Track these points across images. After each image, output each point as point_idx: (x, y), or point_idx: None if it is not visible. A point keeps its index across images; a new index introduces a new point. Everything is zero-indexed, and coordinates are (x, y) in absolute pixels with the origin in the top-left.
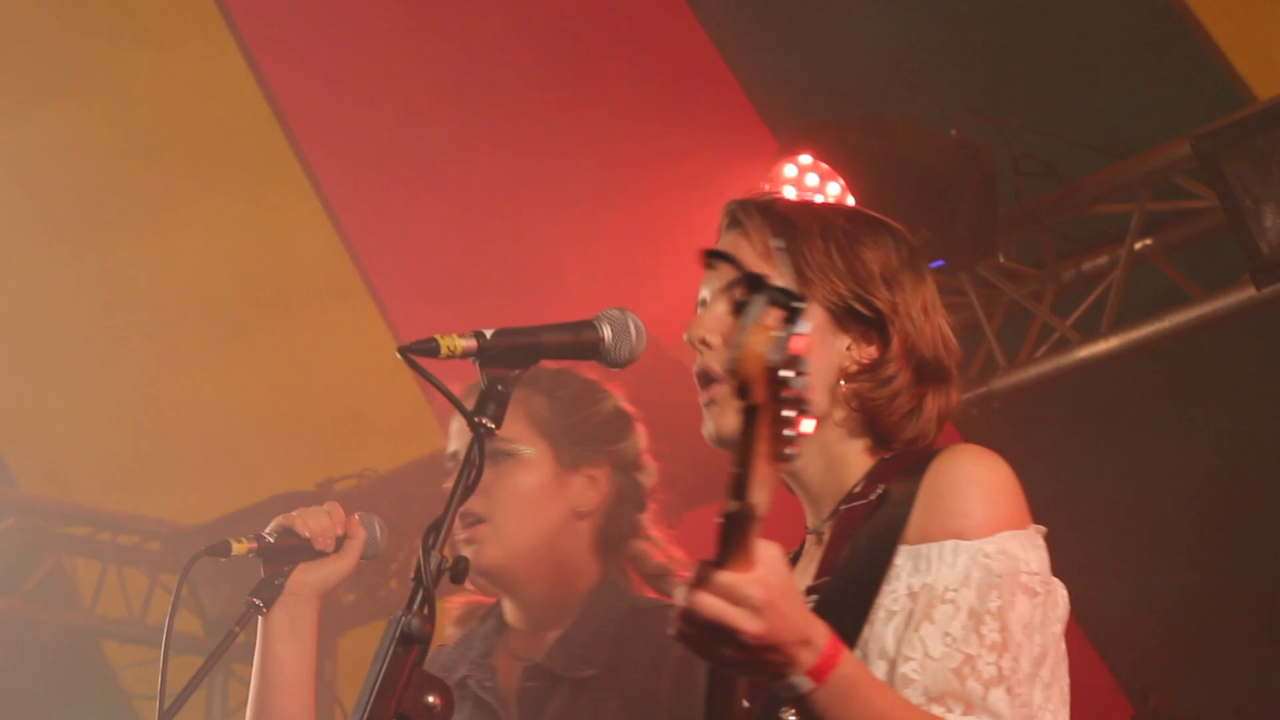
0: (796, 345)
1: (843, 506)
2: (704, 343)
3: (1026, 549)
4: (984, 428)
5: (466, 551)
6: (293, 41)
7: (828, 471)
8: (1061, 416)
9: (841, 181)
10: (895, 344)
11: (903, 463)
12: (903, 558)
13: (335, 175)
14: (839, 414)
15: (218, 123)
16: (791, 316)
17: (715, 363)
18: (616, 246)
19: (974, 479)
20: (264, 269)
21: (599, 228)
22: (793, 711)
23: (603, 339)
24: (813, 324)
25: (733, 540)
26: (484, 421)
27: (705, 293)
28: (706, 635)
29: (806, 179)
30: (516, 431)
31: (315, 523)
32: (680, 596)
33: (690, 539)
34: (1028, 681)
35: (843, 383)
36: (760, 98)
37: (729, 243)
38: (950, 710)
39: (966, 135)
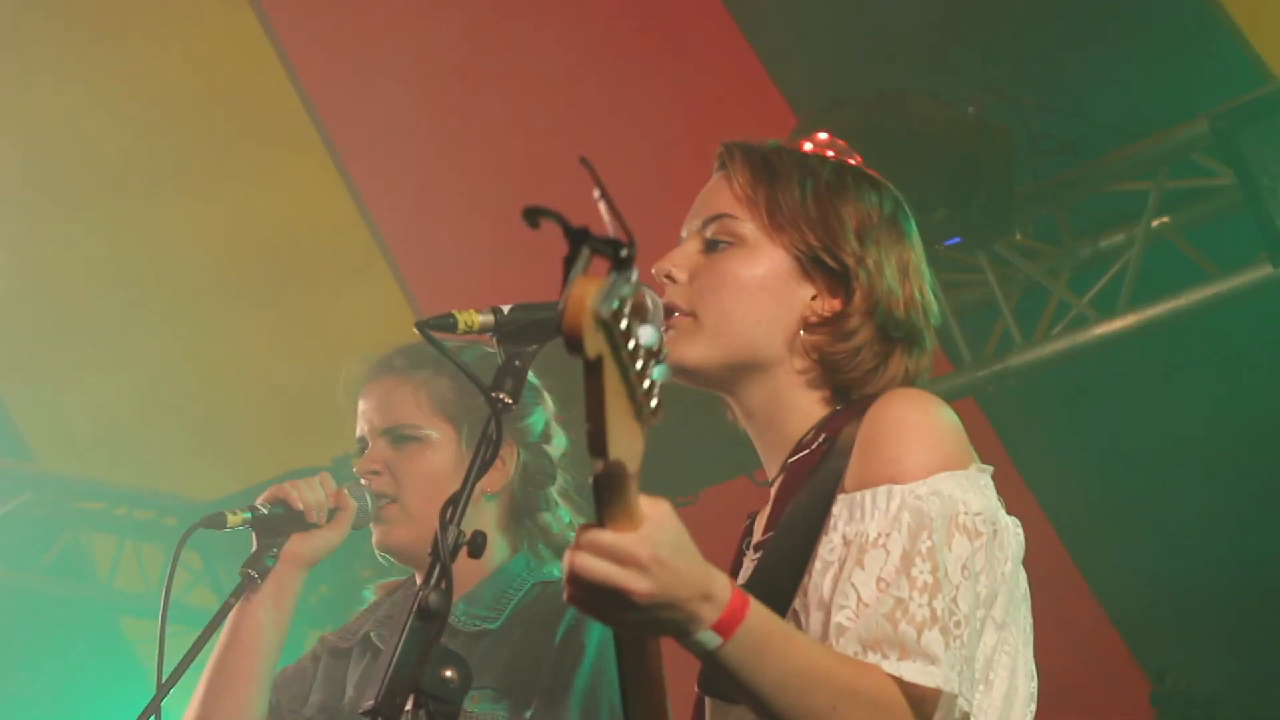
0: (628, 294)
1: (790, 459)
2: (669, 277)
3: (966, 489)
4: (1000, 404)
5: (376, 530)
6: (312, 12)
7: (780, 419)
8: (1077, 393)
9: (858, 159)
10: (858, 299)
11: (850, 412)
12: (839, 506)
13: (354, 147)
14: (798, 363)
15: (237, 94)
16: (619, 265)
17: (677, 297)
18: (634, 218)
19: (907, 423)
20: (282, 242)
21: (617, 199)
22: None
23: None
24: (772, 271)
25: (610, 500)
26: (501, 397)
27: (684, 233)
28: (596, 598)
29: (825, 155)
30: (420, 415)
31: (309, 495)
32: (565, 560)
33: (708, 514)
34: (968, 622)
35: (802, 333)
36: (779, 73)
37: (714, 183)
38: (886, 657)
39: (984, 113)
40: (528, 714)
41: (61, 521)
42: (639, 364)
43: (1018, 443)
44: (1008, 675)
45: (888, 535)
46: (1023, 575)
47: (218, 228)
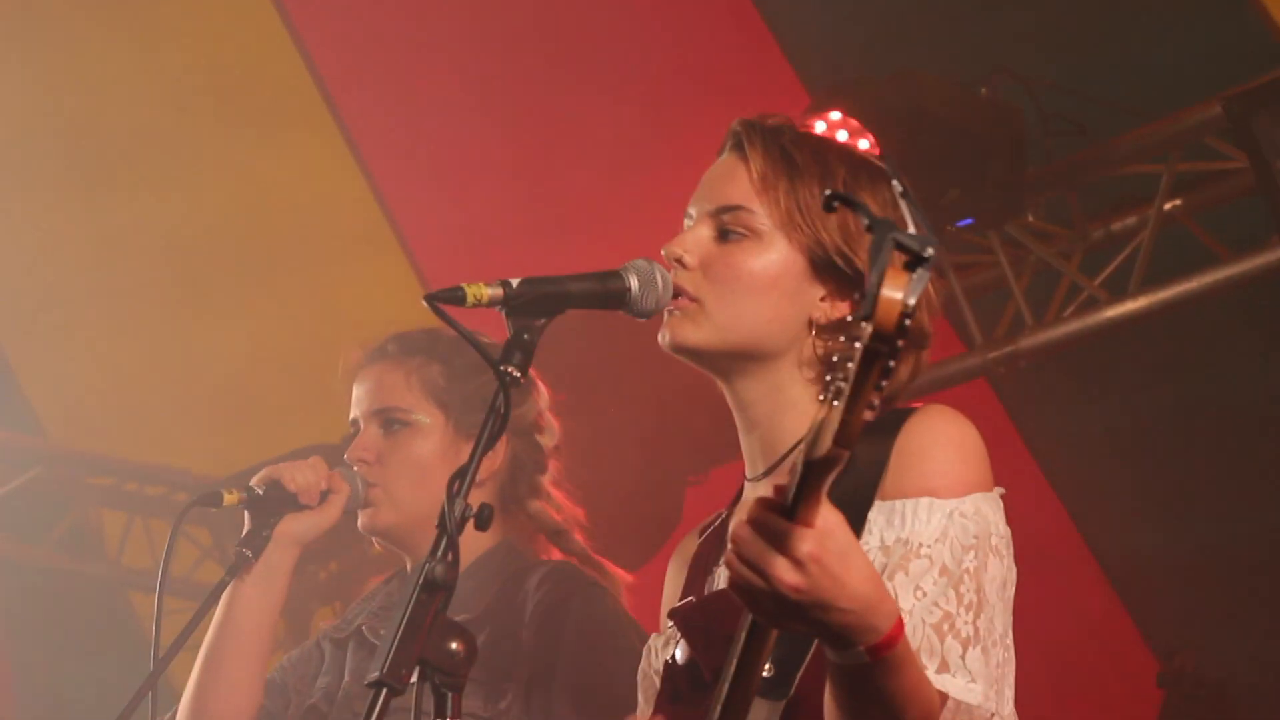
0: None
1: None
2: (680, 262)
3: (995, 511)
4: (1011, 384)
5: (362, 515)
6: None
7: (776, 415)
8: (1088, 374)
9: (870, 139)
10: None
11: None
12: (876, 512)
13: (364, 121)
14: (801, 361)
15: (246, 68)
16: (919, 263)
17: (686, 283)
18: (647, 194)
19: (948, 440)
20: (292, 218)
21: (629, 176)
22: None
23: (629, 289)
24: (785, 269)
25: (810, 489)
26: (509, 370)
27: (693, 210)
28: (745, 574)
29: (836, 135)
30: (411, 400)
31: (302, 477)
32: (732, 526)
33: (716, 493)
34: (1000, 643)
35: (813, 334)
36: (793, 50)
37: (728, 165)
38: (925, 668)
39: (996, 94)
40: (502, 705)
41: (71, 497)
42: (893, 363)
43: (1028, 423)
44: (1012, 689)
45: (931, 546)
46: None
47: (228, 203)
